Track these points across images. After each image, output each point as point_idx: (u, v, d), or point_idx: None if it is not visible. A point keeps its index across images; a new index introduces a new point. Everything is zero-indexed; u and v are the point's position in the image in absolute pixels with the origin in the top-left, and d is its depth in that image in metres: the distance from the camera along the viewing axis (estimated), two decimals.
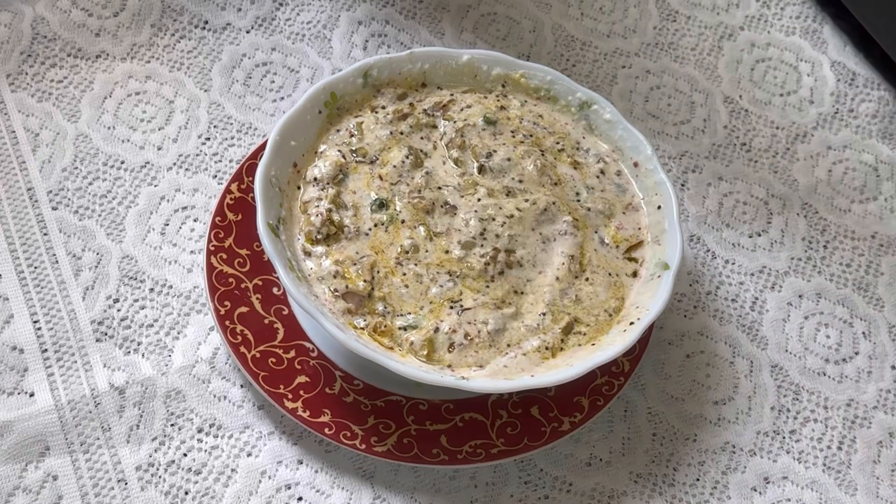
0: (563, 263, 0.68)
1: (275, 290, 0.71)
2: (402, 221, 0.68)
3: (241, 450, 0.67)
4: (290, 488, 0.66)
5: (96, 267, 0.72)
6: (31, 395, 0.67)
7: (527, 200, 0.70)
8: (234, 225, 0.72)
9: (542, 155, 0.73)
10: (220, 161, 0.78)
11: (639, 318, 0.65)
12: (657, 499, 0.68)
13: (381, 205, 0.69)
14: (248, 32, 0.85)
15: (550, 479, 0.68)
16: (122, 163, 0.77)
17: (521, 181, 0.71)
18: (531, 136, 0.74)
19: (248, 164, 0.74)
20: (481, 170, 0.72)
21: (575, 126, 0.76)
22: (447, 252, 0.67)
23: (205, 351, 0.70)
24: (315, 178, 0.69)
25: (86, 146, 0.77)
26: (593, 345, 0.65)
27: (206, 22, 0.85)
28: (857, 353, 0.76)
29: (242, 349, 0.67)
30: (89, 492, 0.64)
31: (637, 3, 0.92)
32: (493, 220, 0.68)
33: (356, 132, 0.72)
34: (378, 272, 0.66)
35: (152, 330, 0.70)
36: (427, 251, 0.67)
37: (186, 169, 0.77)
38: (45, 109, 0.78)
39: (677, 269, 0.67)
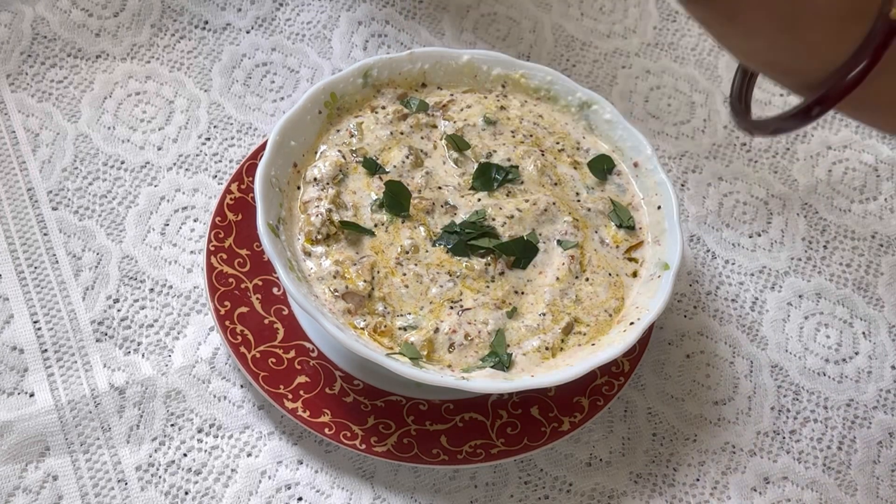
0: (563, 263, 0.68)
1: (275, 290, 0.71)
2: (403, 221, 0.68)
3: (241, 450, 0.67)
4: (290, 488, 0.66)
5: (96, 267, 0.72)
6: (31, 395, 0.67)
7: (527, 200, 0.70)
8: (234, 225, 0.72)
9: (542, 155, 0.73)
10: (220, 161, 0.78)
11: (639, 318, 0.65)
12: (657, 499, 0.68)
13: (382, 205, 0.69)
14: (248, 32, 0.85)
15: (550, 479, 0.68)
16: (122, 163, 0.77)
17: (521, 181, 0.71)
18: (531, 136, 0.74)
19: (248, 164, 0.74)
20: None
21: (575, 126, 0.76)
22: (447, 252, 0.67)
23: (205, 351, 0.70)
24: (315, 179, 0.69)
25: (86, 146, 0.77)
26: (593, 345, 0.65)
27: (206, 22, 0.85)
28: (857, 353, 0.76)
29: (242, 349, 0.67)
30: (89, 492, 0.64)
31: (637, 3, 0.92)
32: (494, 220, 0.68)
33: (356, 132, 0.72)
34: (378, 272, 0.66)
35: (152, 330, 0.70)
36: (427, 251, 0.67)
37: (186, 169, 0.77)
38: (45, 109, 0.78)
39: (677, 269, 0.67)
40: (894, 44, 0.46)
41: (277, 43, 0.85)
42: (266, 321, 0.69)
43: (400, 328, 0.64)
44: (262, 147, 0.73)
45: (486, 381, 0.62)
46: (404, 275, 0.66)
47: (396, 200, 0.68)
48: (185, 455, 0.66)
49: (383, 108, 0.74)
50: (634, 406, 0.71)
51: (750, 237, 0.80)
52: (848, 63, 0.47)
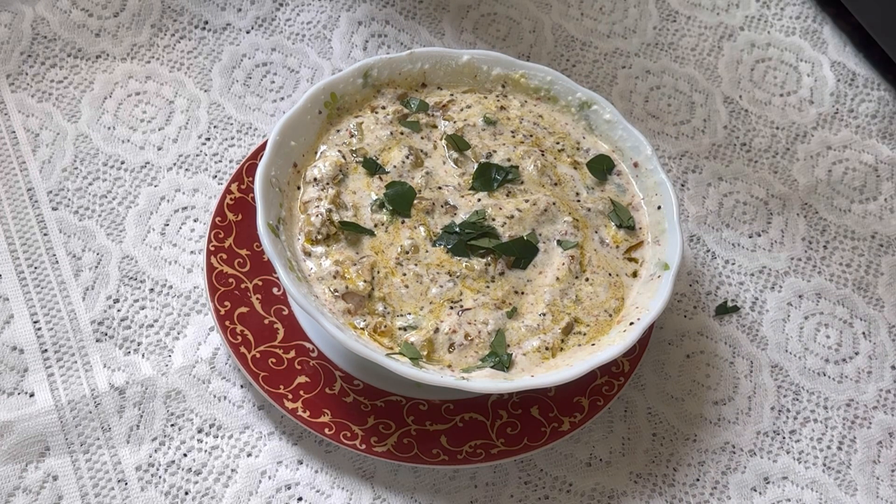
0: (563, 263, 0.68)
1: (275, 290, 0.71)
2: (402, 222, 0.68)
3: (241, 450, 0.67)
4: (290, 488, 0.66)
5: (96, 267, 0.72)
6: (31, 395, 0.67)
7: (527, 201, 0.70)
8: (234, 225, 0.72)
9: (542, 155, 0.73)
10: (220, 161, 0.78)
11: (639, 318, 0.65)
12: (657, 499, 0.68)
13: (382, 205, 0.69)
14: (248, 33, 0.85)
15: (550, 479, 0.68)
16: (122, 163, 0.77)
17: (521, 181, 0.71)
18: (531, 136, 0.74)
19: (248, 164, 0.74)
20: None
21: (575, 126, 0.76)
22: (447, 252, 0.67)
23: (205, 351, 0.70)
24: (315, 179, 0.69)
25: (86, 146, 0.77)
26: (593, 345, 0.65)
27: (206, 22, 0.85)
28: (857, 353, 0.76)
29: (242, 349, 0.67)
30: (89, 492, 0.64)
31: (637, 3, 0.92)
32: (494, 220, 0.68)
33: (356, 132, 0.72)
34: (378, 272, 0.66)
35: (152, 330, 0.70)
36: (427, 251, 0.67)
37: (186, 169, 0.77)
38: (45, 109, 0.78)
39: (677, 269, 0.67)
40: None
41: (277, 43, 0.85)
42: (266, 321, 0.69)
43: (400, 328, 0.64)
44: (262, 147, 0.73)
45: (486, 381, 0.62)
46: (404, 275, 0.66)
47: (403, 200, 0.68)
48: (185, 455, 0.66)
49: (383, 108, 0.74)
50: (634, 406, 0.71)
51: (750, 237, 0.80)
52: None
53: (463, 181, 0.71)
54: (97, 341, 0.69)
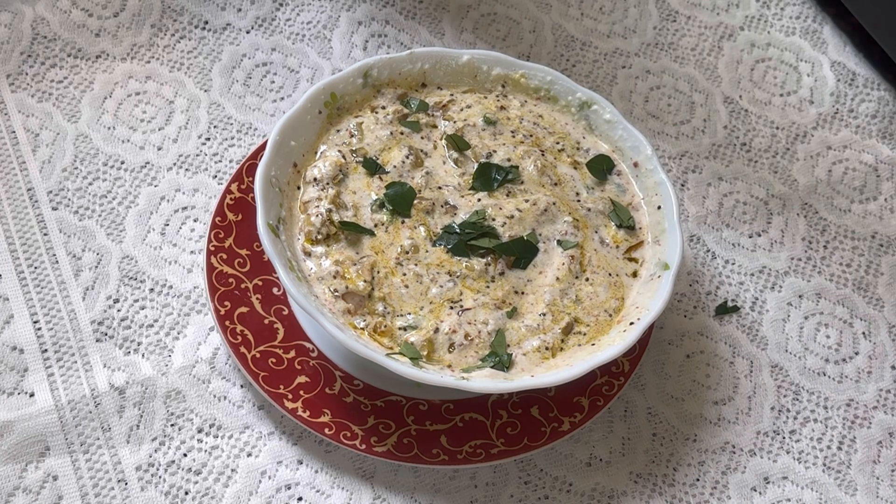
0: (563, 263, 0.68)
1: (275, 290, 0.71)
2: (402, 222, 0.68)
3: (241, 450, 0.67)
4: (290, 488, 0.66)
5: (96, 267, 0.72)
6: (31, 395, 0.67)
7: (527, 201, 0.70)
8: (234, 225, 0.72)
9: (542, 155, 0.73)
10: (220, 161, 0.78)
11: (639, 318, 0.65)
12: (657, 499, 0.68)
13: (382, 205, 0.69)
14: (248, 33, 0.85)
15: (550, 479, 0.68)
16: (122, 163, 0.77)
17: (521, 181, 0.71)
18: (531, 136, 0.74)
19: (248, 164, 0.74)
20: None
21: (575, 126, 0.76)
22: (447, 252, 0.67)
23: (205, 351, 0.70)
24: (315, 179, 0.69)
25: (86, 146, 0.77)
26: (593, 345, 0.65)
27: (206, 22, 0.85)
28: (857, 353, 0.76)
29: (242, 349, 0.67)
30: (89, 492, 0.64)
31: (637, 3, 0.92)
32: (494, 220, 0.68)
33: (356, 132, 0.72)
34: (378, 272, 0.66)
35: (152, 330, 0.70)
36: (427, 251, 0.67)
37: (186, 169, 0.77)
38: (45, 109, 0.78)
39: (677, 269, 0.67)
40: None
41: (277, 43, 0.85)
42: (266, 321, 0.69)
43: (400, 328, 0.64)
44: (262, 147, 0.73)
45: (486, 381, 0.62)
46: (404, 275, 0.66)
47: (403, 200, 0.68)
48: (185, 455, 0.66)
49: (383, 108, 0.74)
50: (634, 406, 0.71)
51: (750, 237, 0.80)
52: None
53: (463, 181, 0.71)
54: (97, 341, 0.69)
